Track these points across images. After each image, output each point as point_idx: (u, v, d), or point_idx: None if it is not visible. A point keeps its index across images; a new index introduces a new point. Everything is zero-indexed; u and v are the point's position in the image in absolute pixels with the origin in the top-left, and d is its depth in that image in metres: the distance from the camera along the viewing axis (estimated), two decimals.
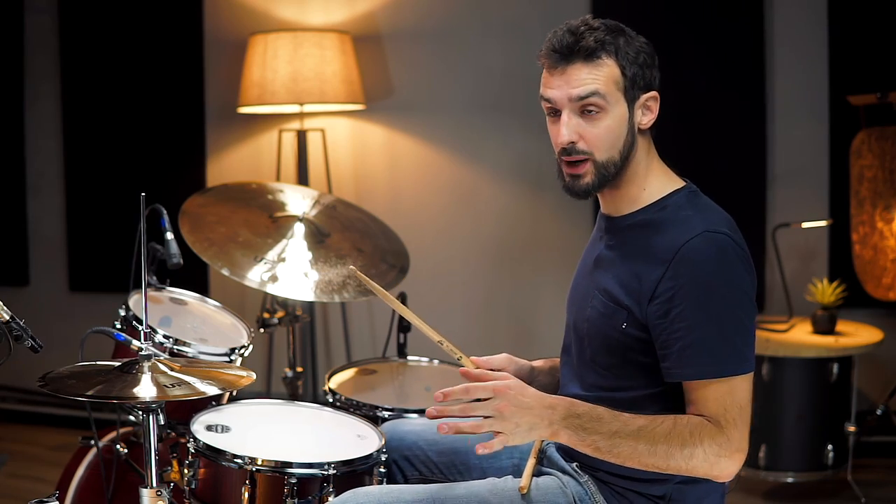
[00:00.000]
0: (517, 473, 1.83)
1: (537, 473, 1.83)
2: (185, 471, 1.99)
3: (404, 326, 2.82)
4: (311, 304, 3.69)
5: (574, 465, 1.79)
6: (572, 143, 1.69)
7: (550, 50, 1.69)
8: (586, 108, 1.68)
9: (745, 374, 1.62)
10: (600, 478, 1.76)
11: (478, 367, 1.77)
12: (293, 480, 1.87)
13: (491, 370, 1.77)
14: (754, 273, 1.68)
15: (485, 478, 1.85)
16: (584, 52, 1.66)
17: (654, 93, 1.73)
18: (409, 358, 2.80)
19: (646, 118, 1.73)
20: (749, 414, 1.62)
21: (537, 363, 1.96)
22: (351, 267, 1.81)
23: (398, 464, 2.04)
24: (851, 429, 3.31)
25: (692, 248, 1.62)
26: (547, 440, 1.78)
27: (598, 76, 1.66)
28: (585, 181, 1.71)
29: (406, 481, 2.03)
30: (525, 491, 1.74)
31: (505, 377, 1.65)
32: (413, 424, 2.13)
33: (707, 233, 1.64)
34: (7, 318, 1.75)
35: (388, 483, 2.00)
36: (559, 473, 1.80)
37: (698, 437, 1.59)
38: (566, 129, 1.69)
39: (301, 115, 4.00)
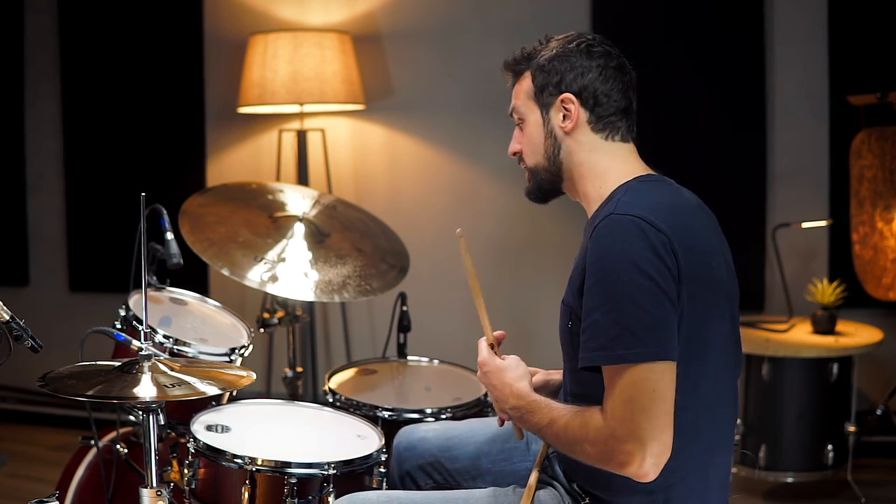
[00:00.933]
0: (526, 480, 1.82)
1: (545, 484, 1.82)
2: (185, 471, 1.99)
3: (404, 326, 2.82)
4: (311, 304, 3.69)
5: (574, 485, 1.78)
6: (515, 153, 1.86)
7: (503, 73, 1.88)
8: (517, 121, 1.84)
9: (645, 362, 1.51)
10: (597, 497, 1.72)
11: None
12: (293, 480, 1.88)
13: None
14: (673, 259, 1.56)
15: (497, 483, 1.85)
16: (512, 70, 1.84)
17: (566, 95, 1.74)
18: (409, 358, 2.80)
19: (566, 121, 1.76)
20: (655, 405, 1.50)
21: (554, 376, 1.99)
22: (458, 231, 1.97)
23: (412, 474, 2.04)
24: (851, 429, 3.31)
25: (597, 231, 1.61)
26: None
27: (517, 92, 1.83)
28: (528, 187, 1.88)
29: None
30: None
31: (492, 360, 1.85)
32: (424, 431, 2.12)
33: (613, 215, 1.60)
34: (7, 318, 1.75)
35: (387, 482, 2.01)
36: (561, 489, 1.79)
37: (585, 430, 1.57)
38: (512, 142, 1.87)
39: (301, 115, 4.00)
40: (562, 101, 1.75)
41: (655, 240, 1.56)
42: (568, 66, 1.74)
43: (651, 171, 1.77)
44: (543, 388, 1.92)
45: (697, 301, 1.59)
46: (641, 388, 1.51)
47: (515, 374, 1.79)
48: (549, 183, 1.82)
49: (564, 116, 1.75)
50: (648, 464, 1.51)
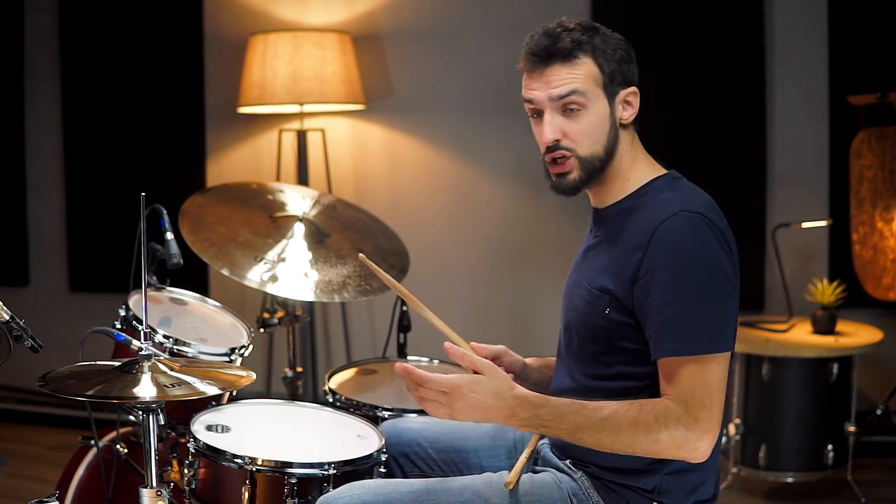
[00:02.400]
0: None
1: (533, 471, 1.84)
2: (185, 471, 1.99)
3: (404, 326, 2.82)
4: (311, 304, 3.69)
5: (567, 461, 1.80)
6: (556, 140, 1.74)
7: (529, 53, 1.76)
8: (567, 106, 1.73)
9: (718, 353, 1.62)
10: (592, 473, 1.77)
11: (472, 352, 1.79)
12: (293, 480, 1.88)
13: (487, 357, 1.81)
14: (734, 256, 1.68)
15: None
16: (562, 54, 1.72)
17: (633, 88, 1.77)
18: (409, 358, 2.80)
19: (626, 113, 1.77)
20: (722, 395, 1.62)
21: (530, 360, 2.00)
22: (361, 255, 1.81)
23: (397, 461, 2.05)
24: (851, 429, 3.31)
25: (668, 226, 1.64)
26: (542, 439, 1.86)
27: (576, 75, 1.71)
28: (572, 177, 1.76)
29: (405, 478, 2.04)
30: (511, 487, 1.74)
31: (455, 380, 1.65)
32: (412, 422, 2.14)
33: (683, 212, 1.65)
34: (7, 318, 1.75)
35: None
36: (555, 471, 1.81)
37: (663, 421, 1.60)
38: (549, 128, 1.74)
39: (301, 115, 4.00)
40: (630, 93, 1.76)
41: (722, 237, 1.66)
42: (629, 59, 1.76)
43: (661, 166, 1.82)
44: (542, 370, 1.98)
45: (738, 295, 1.71)
46: (718, 378, 1.62)
47: (507, 383, 1.66)
48: (599, 173, 1.77)
49: (624, 108, 1.76)
50: (710, 449, 1.63)
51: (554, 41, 1.72)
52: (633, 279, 1.67)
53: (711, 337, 1.61)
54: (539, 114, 1.77)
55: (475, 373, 1.68)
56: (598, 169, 1.76)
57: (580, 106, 1.72)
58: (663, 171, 1.80)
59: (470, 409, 1.64)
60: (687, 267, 1.62)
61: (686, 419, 1.60)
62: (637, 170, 1.79)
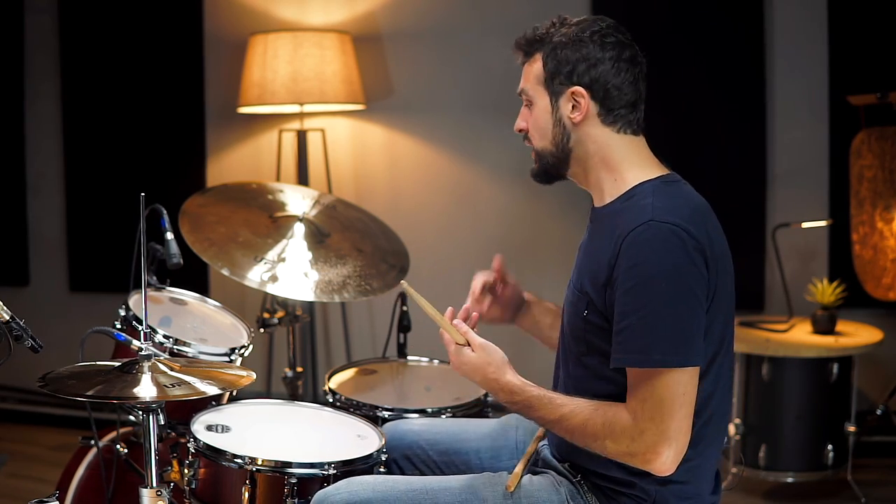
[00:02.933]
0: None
1: (533, 472, 1.84)
2: (186, 471, 1.99)
3: (404, 326, 2.82)
4: (311, 304, 3.69)
5: (566, 465, 1.80)
6: (520, 130, 1.86)
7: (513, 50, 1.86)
8: (525, 101, 1.84)
9: (677, 367, 1.58)
10: (590, 478, 1.77)
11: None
12: (293, 480, 1.88)
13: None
14: (705, 266, 1.62)
15: None
16: (522, 50, 1.83)
17: (576, 88, 1.74)
18: (409, 358, 2.80)
19: (575, 112, 1.76)
20: (682, 408, 1.58)
21: (529, 296, 2.10)
22: (403, 283, 1.93)
23: (398, 462, 2.05)
24: (851, 429, 3.31)
25: (635, 235, 1.62)
26: (542, 442, 1.90)
27: (528, 73, 1.82)
28: (533, 167, 1.87)
29: None
30: (511, 489, 1.75)
31: (466, 355, 1.80)
32: (413, 424, 2.14)
33: (653, 222, 1.62)
34: (7, 318, 1.75)
35: None
36: (554, 473, 1.81)
37: (609, 429, 1.61)
38: (518, 118, 1.86)
39: (301, 115, 4.00)
40: (572, 93, 1.75)
41: (692, 249, 1.61)
42: (580, 56, 1.74)
43: (664, 168, 1.79)
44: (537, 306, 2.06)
45: (721, 305, 1.67)
46: (673, 392, 1.59)
47: (495, 367, 1.77)
48: (554, 168, 1.82)
49: (574, 107, 1.75)
50: (671, 461, 1.60)
51: (520, 38, 1.83)
52: (606, 284, 1.66)
53: (667, 350, 1.57)
54: None
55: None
56: (552, 164, 1.82)
57: (529, 101, 1.82)
58: (659, 174, 1.76)
59: (463, 371, 1.82)
60: (646, 278, 1.59)
61: (631, 430, 1.60)
62: (627, 171, 1.76)
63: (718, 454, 1.78)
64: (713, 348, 1.67)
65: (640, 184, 1.74)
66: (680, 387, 1.59)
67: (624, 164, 1.77)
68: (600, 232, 1.76)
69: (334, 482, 1.88)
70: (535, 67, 1.79)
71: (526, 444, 1.99)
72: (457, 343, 1.82)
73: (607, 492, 1.75)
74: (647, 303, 1.59)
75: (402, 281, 1.92)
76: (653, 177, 1.75)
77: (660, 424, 1.58)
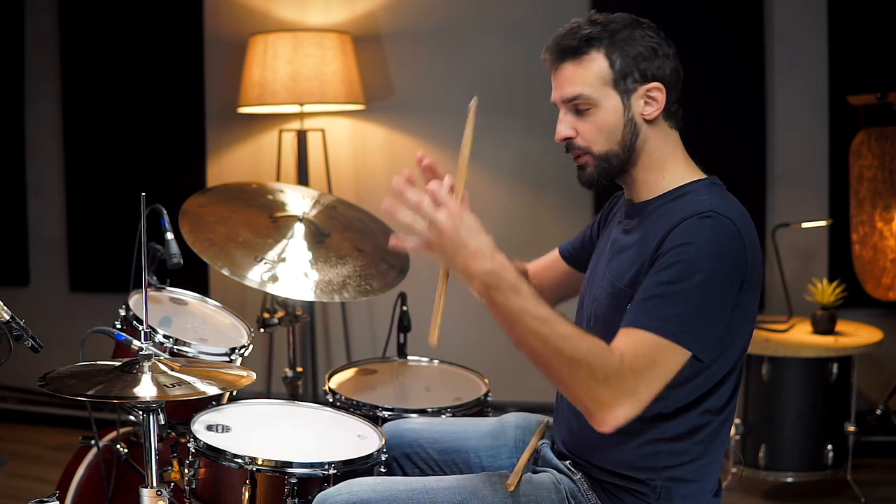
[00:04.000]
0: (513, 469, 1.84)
1: (533, 472, 1.84)
2: (186, 470, 1.99)
3: (404, 326, 2.82)
4: (311, 304, 3.69)
5: (567, 462, 1.80)
6: (568, 138, 1.75)
7: (545, 52, 1.75)
8: (577, 106, 1.73)
9: (679, 345, 1.56)
10: (591, 474, 1.77)
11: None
12: (293, 480, 1.88)
13: None
14: (749, 271, 1.63)
15: None
16: (570, 52, 1.71)
17: (654, 83, 1.72)
18: (409, 358, 2.80)
19: (649, 108, 1.73)
20: (660, 382, 1.56)
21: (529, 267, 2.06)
22: (475, 99, 1.75)
23: (398, 461, 2.05)
24: (851, 429, 3.31)
25: (694, 220, 1.62)
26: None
27: (583, 75, 1.70)
28: (587, 172, 1.76)
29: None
30: (512, 488, 1.75)
31: (456, 213, 1.68)
32: (413, 423, 2.14)
33: (714, 212, 1.62)
34: (7, 318, 1.75)
35: None
36: (554, 471, 1.81)
37: (592, 356, 1.53)
38: (561, 126, 1.75)
39: (301, 115, 4.00)
40: (649, 89, 1.71)
41: (739, 251, 1.62)
42: (651, 51, 1.71)
43: (700, 170, 1.80)
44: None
45: (751, 311, 1.68)
46: (666, 364, 1.56)
47: (475, 228, 1.68)
48: (617, 170, 1.76)
49: (646, 104, 1.72)
50: (620, 421, 1.54)
51: (562, 38, 1.71)
52: (650, 266, 1.65)
53: (687, 329, 1.56)
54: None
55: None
56: (616, 166, 1.74)
57: (590, 105, 1.71)
58: (703, 176, 1.77)
59: (447, 238, 1.69)
60: (691, 260, 1.58)
61: (613, 372, 1.52)
62: (675, 169, 1.76)
63: (722, 456, 1.79)
64: (738, 353, 1.70)
65: (690, 182, 1.74)
66: (673, 364, 1.57)
67: (672, 161, 1.77)
68: (647, 226, 1.73)
69: (334, 482, 1.88)
70: (597, 67, 1.70)
71: (525, 443, 1.99)
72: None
73: (609, 488, 1.75)
74: (687, 280, 1.57)
75: (474, 98, 1.74)
76: (700, 177, 1.76)
77: (638, 382, 1.54)
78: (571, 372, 1.54)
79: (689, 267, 1.58)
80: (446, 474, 2.00)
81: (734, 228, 1.62)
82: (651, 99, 1.72)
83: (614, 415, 1.53)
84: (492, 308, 1.65)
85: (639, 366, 1.54)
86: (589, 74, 1.70)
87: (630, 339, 1.57)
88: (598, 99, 1.71)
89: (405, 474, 2.05)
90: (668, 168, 1.76)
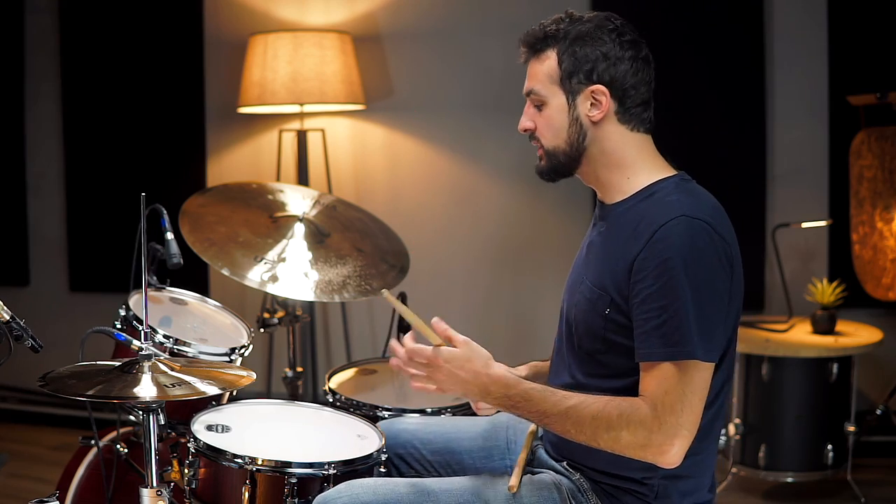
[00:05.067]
0: (510, 470, 1.84)
1: (532, 472, 1.84)
2: (186, 470, 1.99)
3: (404, 326, 2.82)
4: (311, 304, 3.69)
5: (564, 463, 1.80)
6: (526, 130, 1.83)
7: (519, 45, 1.82)
8: (534, 101, 1.80)
9: (699, 361, 1.59)
10: (589, 475, 1.77)
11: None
12: (293, 480, 1.88)
13: None
14: (731, 265, 1.65)
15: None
16: (532, 48, 1.78)
17: (597, 86, 1.73)
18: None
19: (595, 110, 1.74)
20: (699, 403, 1.60)
21: (522, 370, 1.98)
22: (384, 291, 1.87)
23: (392, 461, 2.05)
24: (851, 429, 3.31)
25: (667, 230, 1.62)
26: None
27: (538, 71, 1.77)
28: (540, 164, 1.84)
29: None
30: (515, 490, 1.74)
31: (431, 351, 1.71)
32: (408, 423, 2.14)
33: (684, 217, 1.63)
34: (7, 318, 1.75)
35: None
36: (552, 472, 1.82)
37: (626, 419, 1.59)
38: (523, 118, 1.83)
39: (301, 115, 4.00)
40: (592, 91, 1.73)
41: (721, 246, 1.64)
42: (600, 54, 1.72)
43: (672, 168, 1.80)
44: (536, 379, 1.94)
45: (736, 304, 1.69)
46: (694, 385, 1.60)
47: (483, 362, 1.71)
48: (566, 166, 1.80)
49: (592, 105, 1.74)
50: (681, 454, 1.60)
51: (528, 34, 1.79)
52: (629, 278, 1.66)
53: (689, 345, 1.59)
54: None
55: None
56: (564, 163, 1.79)
57: (541, 101, 1.78)
58: (672, 173, 1.77)
59: (447, 380, 1.71)
60: (674, 274, 1.59)
61: (651, 422, 1.58)
62: (640, 170, 1.76)
63: (717, 450, 1.80)
64: (724, 345, 1.68)
65: (658, 181, 1.74)
66: (701, 381, 1.60)
67: (637, 162, 1.77)
68: (617, 228, 1.75)
69: (334, 482, 1.88)
70: (548, 65, 1.75)
71: (517, 444, 1.99)
72: (435, 345, 1.74)
73: (608, 489, 1.75)
74: (680, 297, 1.59)
75: (382, 290, 1.89)
76: (669, 175, 1.76)
77: (679, 416, 1.58)
78: (614, 442, 1.61)
79: (677, 282, 1.60)
80: (440, 475, 2.01)
81: (708, 227, 1.63)
82: (596, 101, 1.74)
83: (672, 454, 1.60)
84: (521, 416, 1.72)
85: (671, 401, 1.59)
86: (540, 71, 1.77)
87: (653, 379, 1.61)
88: (546, 96, 1.76)
89: (400, 474, 2.05)
90: (632, 169, 1.77)
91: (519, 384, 1.69)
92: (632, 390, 1.68)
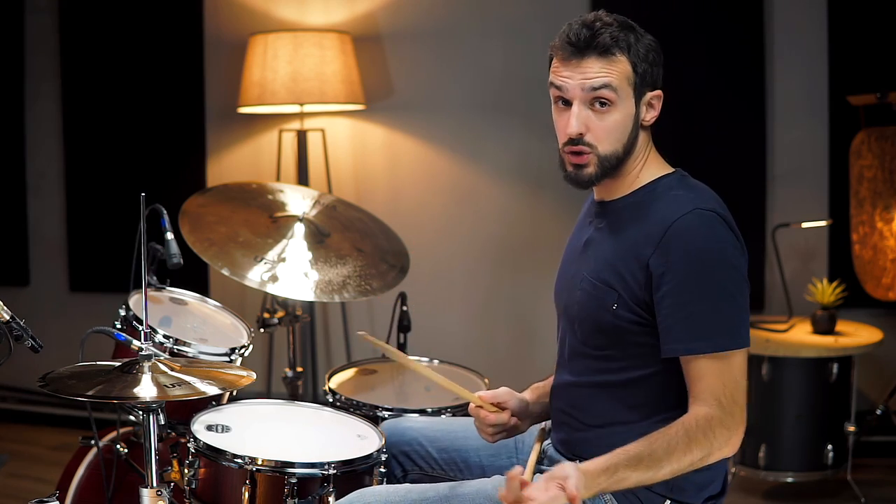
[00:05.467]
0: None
1: (541, 471, 1.83)
2: (186, 470, 1.99)
3: (404, 326, 2.82)
4: (311, 304, 3.69)
5: (576, 461, 1.79)
6: (580, 134, 1.73)
7: (566, 42, 1.72)
8: (598, 99, 1.71)
9: (740, 349, 1.65)
10: None
11: (484, 402, 1.86)
12: (293, 480, 1.88)
13: (495, 403, 1.88)
14: (745, 251, 1.71)
15: (485, 476, 1.86)
16: (600, 48, 1.70)
17: (658, 91, 1.78)
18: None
19: (649, 115, 1.78)
20: (745, 389, 1.67)
21: (528, 395, 1.97)
22: (360, 333, 1.87)
23: (397, 459, 2.05)
24: (851, 429, 3.31)
25: (683, 224, 1.66)
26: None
27: (611, 71, 1.70)
28: (588, 171, 1.75)
29: (405, 476, 2.05)
30: None
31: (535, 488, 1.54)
32: (413, 421, 2.14)
33: (698, 210, 1.67)
34: (7, 318, 1.75)
35: (387, 481, 2.01)
36: None
37: (710, 431, 1.62)
38: (576, 121, 1.72)
39: (301, 115, 4.00)
40: (654, 96, 1.77)
41: (736, 235, 1.70)
42: (658, 61, 1.76)
43: (667, 164, 1.83)
44: (541, 400, 1.97)
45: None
46: (742, 372, 1.66)
47: (574, 472, 1.55)
48: (614, 170, 1.77)
49: (647, 109, 1.77)
50: (740, 438, 1.67)
51: (594, 34, 1.70)
52: (646, 277, 1.67)
53: (732, 333, 1.64)
54: (566, 102, 1.74)
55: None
56: (613, 167, 1.76)
57: (610, 102, 1.71)
58: (671, 170, 1.81)
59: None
60: (704, 264, 1.64)
61: (726, 419, 1.63)
62: (646, 167, 1.80)
63: None
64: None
65: (660, 177, 1.78)
66: (744, 366, 1.66)
67: (648, 158, 1.81)
68: (621, 224, 1.76)
69: (334, 482, 1.88)
70: (622, 68, 1.70)
71: (526, 444, 1.99)
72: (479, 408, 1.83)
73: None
74: (708, 290, 1.63)
75: (359, 332, 1.88)
76: (669, 171, 1.80)
77: (741, 404, 1.64)
78: (699, 459, 1.62)
79: (704, 274, 1.64)
80: (445, 473, 2.00)
81: (721, 218, 1.68)
82: (651, 106, 1.77)
83: (737, 444, 1.67)
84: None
85: (731, 392, 1.64)
86: (616, 71, 1.70)
87: (709, 376, 1.63)
88: (619, 98, 1.71)
89: (405, 472, 2.04)
90: (644, 165, 1.80)
91: (608, 468, 1.59)
92: (638, 383, 1.70)
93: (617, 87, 1.70)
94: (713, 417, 1.62)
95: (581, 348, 1.80)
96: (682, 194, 1.72)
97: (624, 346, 1.73)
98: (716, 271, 1.64)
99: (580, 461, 1.79)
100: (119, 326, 2.27)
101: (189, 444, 1.99)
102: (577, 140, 1.73)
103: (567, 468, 1.57)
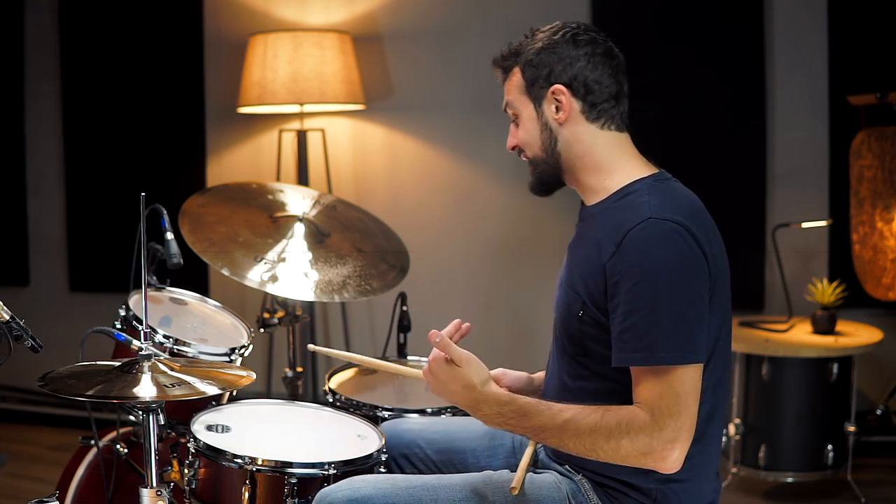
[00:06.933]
0: (513, 469, 1.84)
1: (534, 472, 1.84)
2: (186, 471, 1.99)
3: (404, 326, 2.82)
4: (311, 304, 3.69)
5: (566, 466, 1.80)
6: (513, 147, 1.87)
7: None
8: (512, 117, 1.86)
9: (686, 364, 1.59)
10: (590, 477, 1.77)
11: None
12: (293, 480, 1.88)
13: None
14: (705, 263, 1.64)
15: None
16: (501, 67, 1.87)
17: (556, 86, 1.77)
18: (409, 358, 2.80)
19: (560, 112, 1.77)
20: (693, 403, 1.60)
21: (538, 375, 1.99)
22: (310, 346, 1.94)
23: (396, 461, 2.06)
24: (851, 429, 3.31)
25: (635, 233, 1.63)
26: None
27: (510, 87, 1.84)
28: (530, 180, 1.87)
29: None
30: (517, 492, 1.74)
31: (434, 361, 1.74)
32: (412, 423, 2.15)
33: (652, 219, 1.63)
34: (7, 318, 1.75)
35: None
36: (555, 472, 1.82)
37: (626, 428, 1.59)
38: (508, 137, 1.87)
39: (301, 115, 4.00)
40: (552, 92, 1.77)
41: (693, 245, 1.63)
42: (556, 58, 1.77)
43: (653, 166, 1.80)
44: (532, 393, 1.95)
45: (720, 302, 1.68)
46: (686, 387, 1.59)
47: (479, 378, 1.71)
48: (549, 175, 1.83)
49: (557, 108, 1.77)
50: (680, 459, 1.60)
51: (497, 57, 1.88)
52: (604, 283, 1.66)
53: (672, 347, 1.58)
54: None
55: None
56: (546, 171, 1.82)
57: (516, 115, 1.83)
58: (649, 172, 1.77)
59: (439, 389, 1.75)
60: (649, 276, 1.60)
61: (651, 427, 1.58)
62: (618, 170, 1.77)
63: (719, 452, 1.79)
64: (711, 344, 1.67)
65: (632, 182, 1.75)
66: (691, 382, 1.60)
67: (613, 162, 1.78)
68: (590, 231, 1.76)
69: (334, 482, 1.88)
70: (515, 80, 1.82)
71: (522, 444, 1.99)
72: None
73: (609, 491, 1.75)
74: (651, 300, 1.59)
75: (309, 345, 1.94)
76: (644, 175, 1.76)
77: (678, 420, 1.58)
78: (615, 452, 1.61)
79: (649, 285, 1.60)
80: (443, 474, 2.01)
81: (676, 227, 1.62)
82: (558, 102, 1.77)
83: (673, 459, 1.59)
84: (515, 432, 1.74)
85: (667, 405, 1.58)
86: (512, 86, 1.83)
87: (644, 385, 1.61)
88: (518, 107, 1.82)
89: (402, 473, 2.05)
90: (610, 169, 1.78)
91: (513, 400, 1.69)
92: (614, 394, 1.68)
93: (512, 101, 1.83)
94: (637, 417, 1.59)
95: (562, 352, 1.82)
96: (646, 201, 1.67)
97: (592, 355, 1.72)
98: (659, 283, 1.59)
99: (570, 466, 1.80)
100: (119, 326, 2.27)
101: (189, 444, 1.99)
102: (518, 153, 1.86)
103: (475, 367, 1.71)
